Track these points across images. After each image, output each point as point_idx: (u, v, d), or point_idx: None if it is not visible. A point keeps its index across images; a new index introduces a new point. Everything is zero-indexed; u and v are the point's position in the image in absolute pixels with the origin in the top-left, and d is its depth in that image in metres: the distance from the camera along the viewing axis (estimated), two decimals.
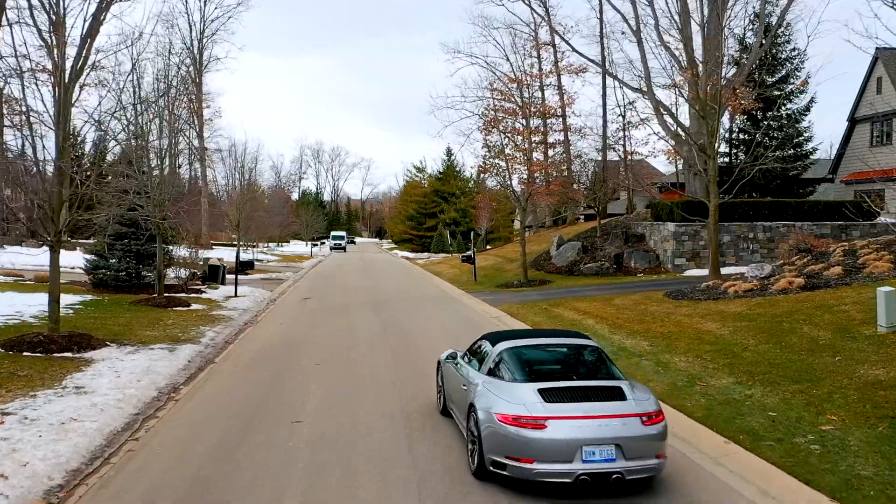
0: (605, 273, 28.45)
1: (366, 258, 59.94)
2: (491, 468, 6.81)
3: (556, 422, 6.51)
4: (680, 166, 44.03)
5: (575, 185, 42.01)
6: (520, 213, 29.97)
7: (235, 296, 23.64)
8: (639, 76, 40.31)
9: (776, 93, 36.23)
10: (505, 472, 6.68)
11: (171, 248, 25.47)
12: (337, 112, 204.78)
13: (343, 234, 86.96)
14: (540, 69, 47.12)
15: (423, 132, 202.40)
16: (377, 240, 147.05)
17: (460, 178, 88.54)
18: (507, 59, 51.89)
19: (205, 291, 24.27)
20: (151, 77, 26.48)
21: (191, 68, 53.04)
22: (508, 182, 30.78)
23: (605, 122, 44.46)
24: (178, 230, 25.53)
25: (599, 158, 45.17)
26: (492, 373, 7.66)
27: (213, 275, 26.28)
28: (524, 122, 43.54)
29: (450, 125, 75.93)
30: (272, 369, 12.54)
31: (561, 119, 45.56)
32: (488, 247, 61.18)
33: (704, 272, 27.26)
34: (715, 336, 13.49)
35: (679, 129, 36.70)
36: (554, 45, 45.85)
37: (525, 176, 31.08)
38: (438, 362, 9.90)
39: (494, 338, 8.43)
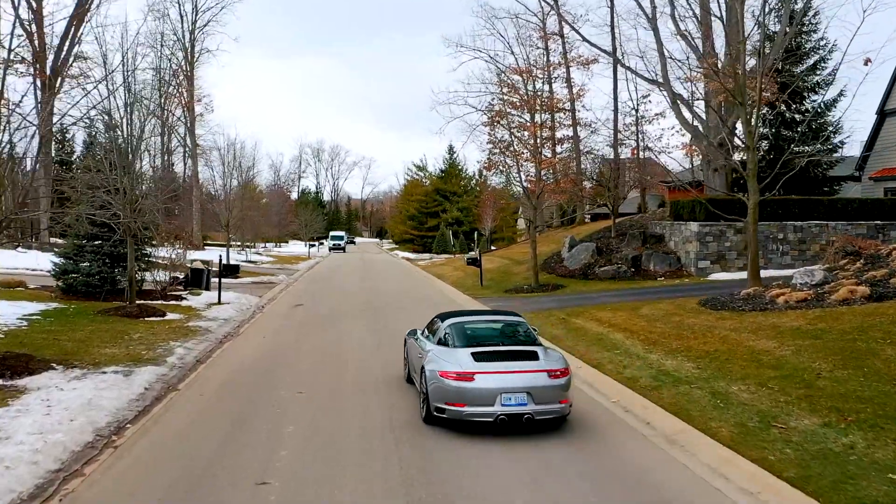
0: (622, 277, 26.23)
1: (365, 259, 57.77)
2: (435, 413, 8.81)
3: (482, 375, 8.57)
4: (696, 163, 41.82)
5: (586, 183, 39.79)
6: (529, 212, 27.69)
7: (218, 303, 21.45)
8: (653, 70, 38.17)
9: (803, 83, 34.07)
10: (444, 416, 8.70)
11: (151, 249, 23.30)
12: (337, 111, 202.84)
13: (342, 234, 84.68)
14: (548, 61, 44.93)
15: (424, 131, 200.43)
16: (378, 240, 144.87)
17: (462, 176, 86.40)
18: (512, 52, 49.83)
19: (185, 298, 22.07)
20: (139, 68, 24.24)
21: (182, 61, 50.84)
22: (517, 178, 28.57)
23: (616, 115, 42.26)
24: (156, 230, 23.30)
25: (611, 155, 43.02)
26: (440, 342, 9.70)
27: (197, 279, 24.09)
28: (530, 116, 41.40)
29: (452, 121, 73.78)
30: (243, 400, 10.34)
31: (570, 113, 43.34)
32: (492, 248, 59.04)
33: (731, 276, 25.06)
34: (775, 358, 11.26)
35: (697, 122, 34.56)
36: (562, 35, 43.67)
37: (533, 173, 28.83)
38: (405, 339, 11.97)
39: (445, 316, 10.58)
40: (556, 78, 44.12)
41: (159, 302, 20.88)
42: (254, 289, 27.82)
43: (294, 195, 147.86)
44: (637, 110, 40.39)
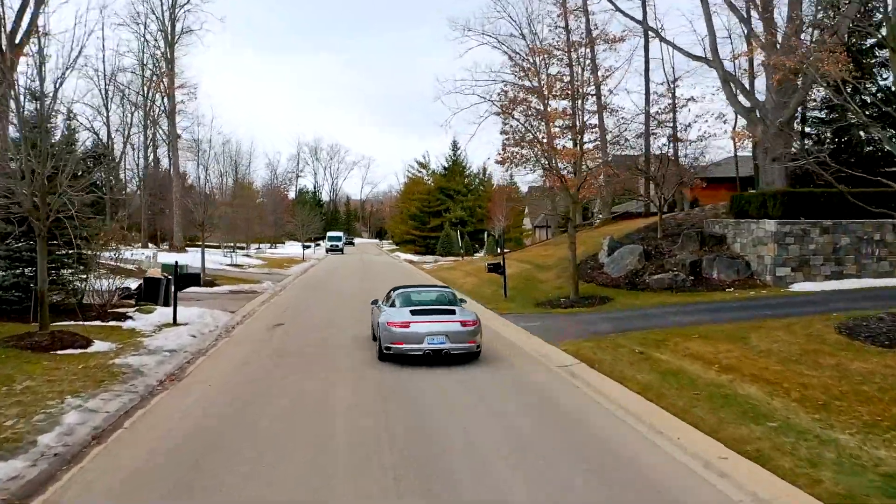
0: (680, 287, 21.24)
1: (364, 261, 52.80)
2: (384, 351, 12.80)
3: (415, 324, 12.57)
4: (741, 150, 36.86)
5: (618, 175, 34.73)
6: (563, 206, 22.61)
7: (173, 324, 16.45)
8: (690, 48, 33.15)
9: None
10: (391, 353, 12.63)
11: (89, 252, 18.28)
12: (336, 110, 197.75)
13: (340, 234, 79.72)
14: (568, 40, 39.83)
15: (424, 131, 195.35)
16: (377, 240, 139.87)
17: (467, 174, 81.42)
18: (523, 36, 44.72)
19: (131, 317, 17.03)
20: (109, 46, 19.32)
21: (160, 42, 45.83)
22: (543, 166, 23.64)
23: (647, 99, 37.27)
24: (92, 227, 18.22)
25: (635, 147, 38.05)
26: (391, 305, 13.96)
27: (152, 292, 19.02)
28: (551, 102, 36.52)
29: (459, 112, 67.76)
30: None
31: (595, 99, 38.31)
32: (505, 250, 53.97)
33: (820, 286, 20.05)
34: None
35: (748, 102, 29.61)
36: (586, 10, 38.65)
37: (553, 163, 23.82)
38: (371, 307, 15.71)
39: (396, 288, 15.11)
40: (579, 61, 39.00)
41: (95, 323, 15.90)
42: (229, 301, 22.83)
43: (292, 195, 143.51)
44: (673, 94, 35.37)
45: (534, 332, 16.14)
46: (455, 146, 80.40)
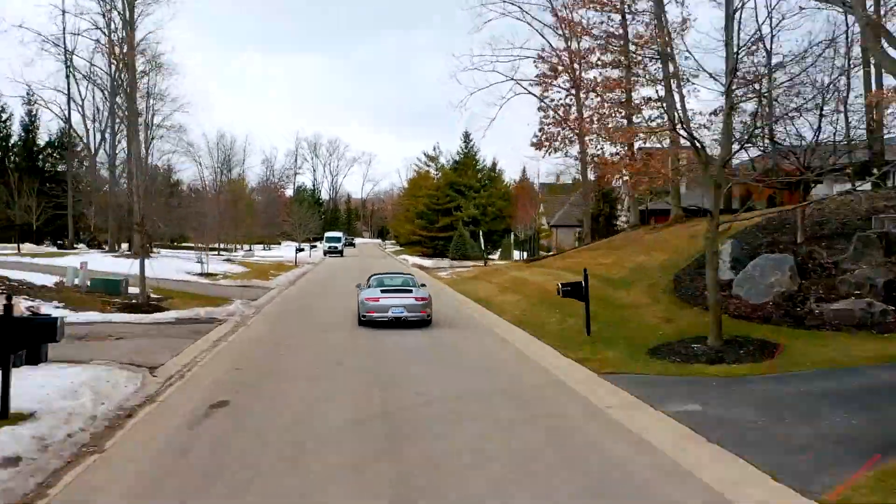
0: (876, 323, 13.17)
1: (367, 268, 44.92)
2: (361, 319, 18.19)
3: (384, 299, 17.97)
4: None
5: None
6: (712, 193, 14.14)
7: (3, 418, 8.36)
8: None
9: None
10: (365, 319, 17.96)
11: None
12: (335, 108, 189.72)
13: (339, 234, 71.56)
14: None
15: (426, 127, 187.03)
16: (379, 241, 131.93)
17: (480, 168, 73.26)
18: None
19: None
20: None
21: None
22: (685, 132, 15.55)
23: (734, 61, 29.01)
24: None
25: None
26: (368, 287, 19.77)
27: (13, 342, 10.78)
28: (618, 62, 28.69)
29: (476, 91, 59.10)
30: None
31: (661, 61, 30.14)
32: (542, 254, 45.90)
33: None
34: None
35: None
36: None
37: (687, 129, 15.58)
38: (356, 291, 20.88)
39: (372, 276, 21.34)
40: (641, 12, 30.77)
41: None
42: (163, 342, 14.74)
43: (290, 192, 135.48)
44: (769, 51, 27.10)
45: (712, 438, 8.02)
46: (466, 138, 72.48)
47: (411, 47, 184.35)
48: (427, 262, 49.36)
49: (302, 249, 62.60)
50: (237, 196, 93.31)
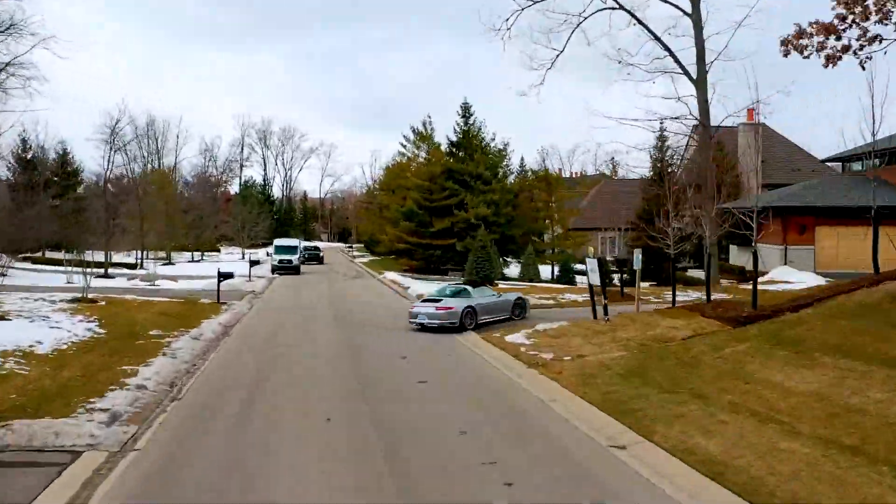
0: None
1: (357, 312, 26.00)
2: None
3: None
4: None
5: None
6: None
7: None
8: None
9: None
10: None
11: None
12: (290, 103, 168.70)
13: (294, 242, 51.12)
14: None
15: (390, 122, 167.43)
16: (343, 245, 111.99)
17: (489, 151, 54.42)
18: None
19: None
20: None
21: None
22: None
23: None
24: None
25: None
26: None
27: None
28: None
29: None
30: None
31: None
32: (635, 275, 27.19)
33: None
34: None
35: None
36: None
37: None
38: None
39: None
40: None
41: None
42: None
43: (235, 189, 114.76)
44: None
45: None
46: (466, 111, 53.49)
47: (368, 40, 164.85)
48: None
49: (256, 263, 42.90)
50: (166, 193, 72.70)
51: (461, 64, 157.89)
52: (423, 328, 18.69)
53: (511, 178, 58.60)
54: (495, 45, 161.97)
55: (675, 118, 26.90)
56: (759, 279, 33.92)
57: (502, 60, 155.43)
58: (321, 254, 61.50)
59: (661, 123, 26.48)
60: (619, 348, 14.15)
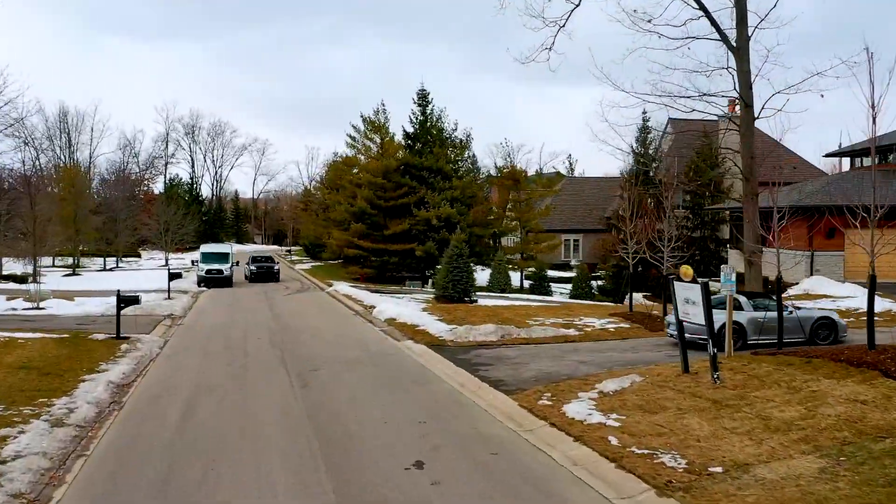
0: None
1: (299, 358, 19.46)
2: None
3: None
4: None
5: None
6: None
7: None
8: None
9: None
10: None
11: None
12: (222, 101, 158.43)
13: (227, 248, 43.17)
14: None
15: (327, 120, 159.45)
16: (278, 248, 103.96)
17: (451, 143, 48.21)
18: None
19: None
20: None
21: None
22: None
23: None
24: None
25: None
26: None
27: None
28: None
29: None
30: None
31: None
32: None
33: None
34: None
35: None
36: None
37: None
38: None
39: None
40: None
41: None
42: None
43: (160, 188, 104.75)
44: None
45: None
46: (423, 98, 47.35)
47: (303, 37, 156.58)
48: (412, 315, 23.77)
49: (177, 276, 33.98)
50: (75, 191, 63.43)
51: (407, 62, 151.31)
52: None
53: (481, 174, 52.42)
54: (449, 43, 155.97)
55: (709, 95, 21.27)
56: (790, 291, 29.24)
57: (457, 54, 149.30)
58: (276, 267, 44.19)
59: (698, 95, 20.85)
60: (803, 448, 8.22)
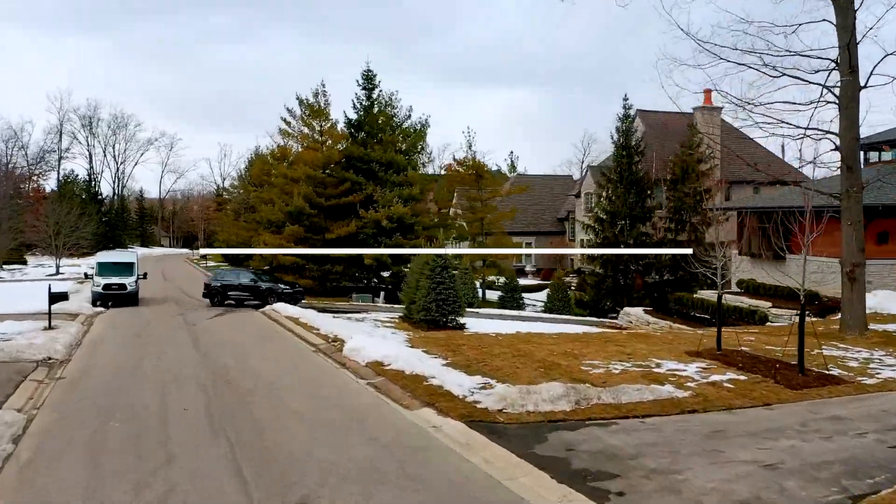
0: None
1: (265, 466, 12.44)
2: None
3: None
4: None
5: None
6: None
7: None
8: None
9: None
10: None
11: None
12: (128, 98, 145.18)
13: (131, 257, 33.93)
14: None
15: (237, 116, 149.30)
16: (190, 252, 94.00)
17: (403, 129, 41.66)
18: None
19: None
20: None
21: None
22: None
23: None
24: None
25: None
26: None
27: None
28: None
29: None
30: None
31: None
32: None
33: None
34: None
35: None
36: None
37: None
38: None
39: None
40: None
41: None
42: None
43: (52, 185, 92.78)
44: None
45: None
46: (369, 79, 40.62)
47: (204, 31, 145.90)
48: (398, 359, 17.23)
49: (61, 297, 24.21)
50: None
51: (321, 62, 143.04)
52: None
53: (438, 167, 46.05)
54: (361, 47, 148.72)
55: (802, 55, 15.89)
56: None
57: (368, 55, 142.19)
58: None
59: (789, 54, 15.40)
60: None
